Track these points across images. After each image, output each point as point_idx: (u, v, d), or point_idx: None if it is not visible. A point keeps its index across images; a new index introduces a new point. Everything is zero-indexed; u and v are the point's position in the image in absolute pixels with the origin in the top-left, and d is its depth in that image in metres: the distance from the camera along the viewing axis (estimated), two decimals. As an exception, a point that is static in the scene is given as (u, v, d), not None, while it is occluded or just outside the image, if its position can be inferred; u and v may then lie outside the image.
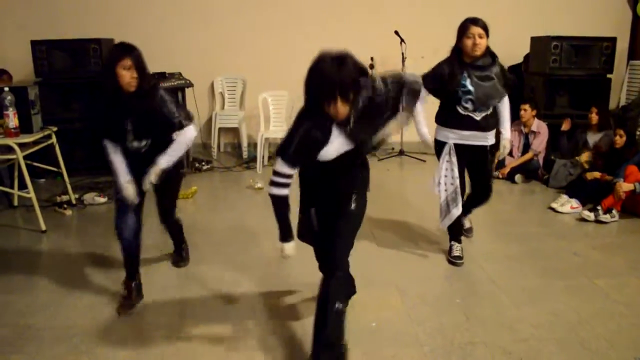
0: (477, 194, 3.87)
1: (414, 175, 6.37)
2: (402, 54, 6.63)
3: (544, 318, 3.08)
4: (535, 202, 5.24)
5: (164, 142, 3.14)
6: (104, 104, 3.01)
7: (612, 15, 7.35)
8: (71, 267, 3.80)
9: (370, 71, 2.40)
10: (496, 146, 3.76)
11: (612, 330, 2.95)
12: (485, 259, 3.84)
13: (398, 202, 5.07)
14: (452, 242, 3.85)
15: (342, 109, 2.27)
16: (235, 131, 7.27)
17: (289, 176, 2.45)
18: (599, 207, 4.68)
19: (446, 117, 3.61)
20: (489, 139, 3.64)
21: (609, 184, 4.81)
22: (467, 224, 4.16)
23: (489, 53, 3.48)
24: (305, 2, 7.00)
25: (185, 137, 3.13)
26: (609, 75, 6.51)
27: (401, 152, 7.03)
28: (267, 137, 6.49)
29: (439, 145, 3.69)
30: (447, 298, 3.34)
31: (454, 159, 3.61)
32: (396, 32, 6.58)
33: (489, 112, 3.55)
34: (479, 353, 2.74)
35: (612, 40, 6.43)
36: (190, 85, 6.29)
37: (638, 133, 5.94)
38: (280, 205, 2.53)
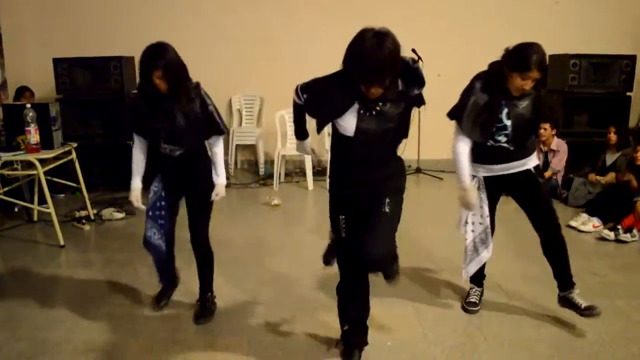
0: (542, 239, 3.16)
1: (431, 193, 6.34)
2: (419, 71, 6.63)
3: (564, 339, 3.03)
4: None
5: (198, 148, 3.12)
6: (142, 106, 2.98)
7: (631, 33, 7.30)
8: (89, 282, 3.83)
9: (412, 60, 2.35)
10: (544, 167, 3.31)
11: (634, 354, 2.88)
12: (504, 279, 3.78)
13: (416, 219, 5.04)
14: (472, 285, 3.46)
15: (374, 91, 2.27)
16: (252, 148, 7.31)
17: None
18: (619, 227, 4.61)
19: (472, 150, 3.03)
20: (528, 163, 3.09)
21: (629, 203, 4.74)
22: (578, 300, 3.15)
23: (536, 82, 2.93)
24: (322, 19, 7.05)
25: (221, 146, 3.17)
26: (628, 94, 6.45)
27: (418, 170, 7.01)
28: (284, 154, 6.52)
29: None
30: (464, 318, 3.29)
31: (484, 195, 3.14)
32: (413, 50, 6.59)
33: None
34: (498, 374, 2.71)
35: (632, 58, 6.38)
36: (208, 102, 6.36)
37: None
38: (297, 110, 2.70)
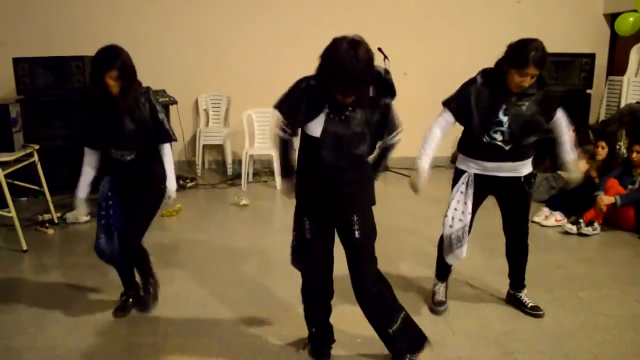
0: (508, 243, 3.30)
1: (398, 191, 6.39)
2: (386, 70, 6.68)
3: (529, 331, 3.10)
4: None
5: (149, 153, 3.10)
6: (92, 109, 2.97)
7: (591, 32, 7.50)
8: (53, 287, 3.75)
9: (385, 70, 2.40)
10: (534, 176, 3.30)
11: (597, 343, 2.97)
12: (471, 273, 3.85)
13: (385, 217, 5.07)
14: (437, 282, 3.42)
15: (348, 98, 2.30)
16: (219, 148, 7.25)
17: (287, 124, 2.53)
18: (581, 220, 4.73)
19: (467, 144, 3.11)
20: (521, 169, 3.06)
21: (590, 197, 4.87)
22: (526, 299, 3.36)
23: (536, 82, 2.94)
24: (289, 19, 7.04)
25: (168, 154, 3.15)
26: (588, 91, 6.63)
27: (385, 168, 7.05)
28: (251, 153, 6.49)
29: (457, 173, 3.18)
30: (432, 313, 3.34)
31: (470, 191, 3.09)
32: (379, 49, 6.64)
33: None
34: (466, 368, 2.75)
35: (591, 56, 6.56)
36: (175, 102, 6.29)
37: (618, 147, 6.03)
38: (283, 144, 2.62)
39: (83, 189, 3.17)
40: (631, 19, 6.43)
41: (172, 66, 6.92)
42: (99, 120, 2.94)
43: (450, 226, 3.14)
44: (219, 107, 7.22)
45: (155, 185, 3.15)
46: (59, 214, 5.15)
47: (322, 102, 2.38)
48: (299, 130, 2.52)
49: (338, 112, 2.37)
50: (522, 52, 2.81)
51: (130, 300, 3.34)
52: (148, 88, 3.03)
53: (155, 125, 3.02)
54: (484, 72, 3.02)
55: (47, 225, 4.94)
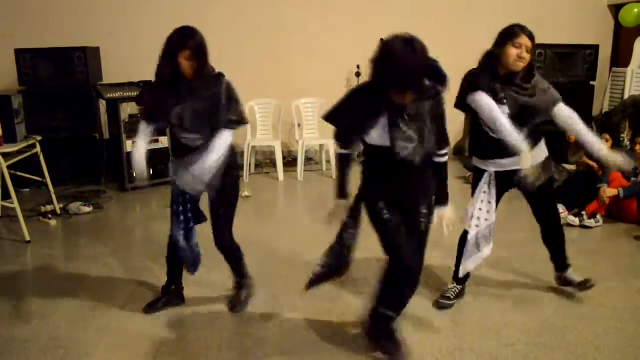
0: (543, 230, 3.35)
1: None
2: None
3: (531, 323, 3.10)
4: (523, 208, 5.25)
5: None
6: (157, 89, 2.88)
7: (595, 23, 7.46)
8: (56, 278, 3.76)
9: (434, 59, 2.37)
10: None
11: (598, 334, 2.97)
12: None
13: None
14: (453, 284, 3.35)
15: (409, 96, 2.29)
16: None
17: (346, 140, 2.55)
18: (583, 212, 4.73)
19: (480, 147, 3.13)
20: (536, 157, 3.05)
21: (593, 189, 4.86)
22: (573, 277, 3.41)
23: (528, 71, 2.97)
24: (290, 10, 7.01)
25: (220, 140, 2.87)
26: (592, 82, 6.60)
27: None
28: (254, 145, 6.49)
29: (477, 174, 3.18)
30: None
31: (494, 191, 3.12)
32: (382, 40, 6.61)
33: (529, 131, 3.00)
34: (467, 359, 2.75)
35: (595, 48, 6.53)
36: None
37: (621, 139, 6.02)
38: (343, 161, 2.62)
39: (139, 150, 2.98)
40: (636, 10, 6.40)
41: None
42: (168, 101, 2.84)
43: (477, 226, 3.15)
44: (221, 99, 7.19)
45: (229, 173, 2.99)
46: (61, 205, 5.16)
47: (379, 108, 2.37)
48: (357, 143, 2.54)
49: (399, 114, 2.36)
50: (507, 28, 2.94)
51: (164, 301, 3.27)
52: (220, 73, 2.94)
53: (223, 110, 2.89)
54: (477, 68, 3.02)
55: (50, 216, 4.95)
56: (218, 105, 2.86)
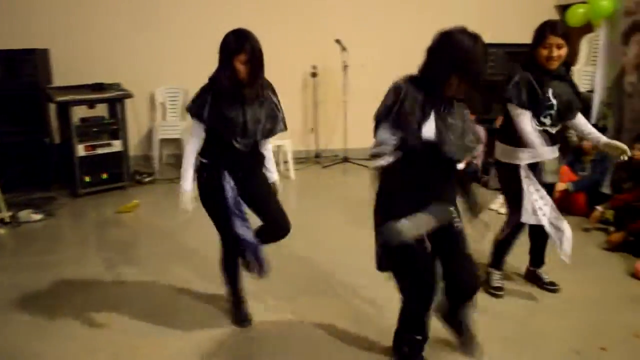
0: (531, 225, 3.33)
1: (360, 182, 6.43)
2: (344, 62, 6.72)
3: (532, 305, 3.18)
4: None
5: (261, 144, 2.99)
6: (218, 98, 2.80)
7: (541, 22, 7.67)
8: (7, 288, 3.62)
9: None
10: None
11: (552, 324, 3.07)
12: (480, 255, 3.84)
13: (350, 207, 5.13)
14: (491, 270, 3.46)
15: (462, 88, 2.28)
16: (177, 142, 7.13)
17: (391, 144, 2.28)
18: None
19: (515, 134, 3.12)
20: (556, 151, 3.24)
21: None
22: (543, 275, 3.57)
23: (563, 63, 3.11)
24: (244, 10, 6.95)
25: (270, 147, 3.09)
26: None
27: (345, 160, 7.10)
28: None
29: (508, 170, 3.20)
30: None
31: (534, 179, 3.15)
32: (337, 41, 6.65)
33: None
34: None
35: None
36: (130, 95, 6.15)
37: (569, 135, 6.20)
38: (388, 178, 2.35)
39: (188, 181, 2.93)
40: (581, 10, 6.61)
41: (127, 59, 6.74)
42: (226, 106, 2.78)
43: (544, 215, 3.14)
44: (176, 101, 7.10)
45: (262, 172, 3.08)
46: (10, 213, 4.98)
47: (426, 102, 2.29)
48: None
49: (445, 107, 2.32)
50: (538, 29, 3.10)
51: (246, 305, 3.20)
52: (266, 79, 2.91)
53: (277, 114, 2.93)
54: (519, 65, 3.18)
55: (-1, 224, 4.79)
56: (276, 114, 2.92)
